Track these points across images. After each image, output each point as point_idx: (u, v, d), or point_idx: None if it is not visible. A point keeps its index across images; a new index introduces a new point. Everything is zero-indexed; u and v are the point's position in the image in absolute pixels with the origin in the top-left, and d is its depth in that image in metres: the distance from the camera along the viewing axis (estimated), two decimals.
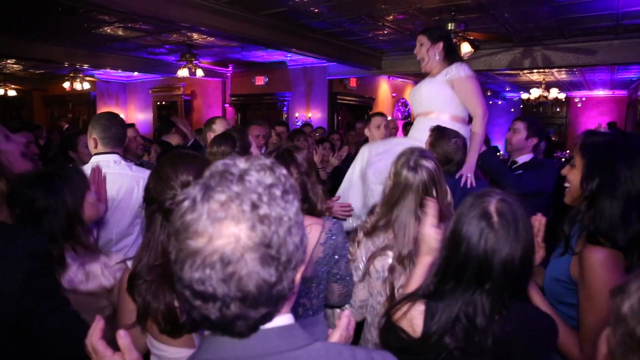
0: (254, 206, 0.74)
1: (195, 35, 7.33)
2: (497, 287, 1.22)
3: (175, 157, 1.50)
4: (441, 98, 2.88)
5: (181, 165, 1.42)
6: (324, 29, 7.14)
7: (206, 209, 0.74)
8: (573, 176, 1.66)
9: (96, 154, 2.59)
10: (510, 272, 1.22)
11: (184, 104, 11.85)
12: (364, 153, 3.07)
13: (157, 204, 1.39)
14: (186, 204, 0.76)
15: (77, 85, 10.43)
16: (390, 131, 6.75)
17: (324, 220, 1.90)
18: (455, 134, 2.60)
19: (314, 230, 1.82)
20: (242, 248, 0.73)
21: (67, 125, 10.35)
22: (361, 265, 1.99)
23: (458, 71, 2.86)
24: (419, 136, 2.86)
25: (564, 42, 7.34)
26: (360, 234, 2.04)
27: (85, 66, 9.57)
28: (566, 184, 1.73)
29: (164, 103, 12.33)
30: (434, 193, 1.90)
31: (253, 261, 0.73)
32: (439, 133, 2.58)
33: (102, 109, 12.54)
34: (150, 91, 12.45)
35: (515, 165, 3.39)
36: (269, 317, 0.81)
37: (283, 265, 0.76)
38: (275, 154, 1.92)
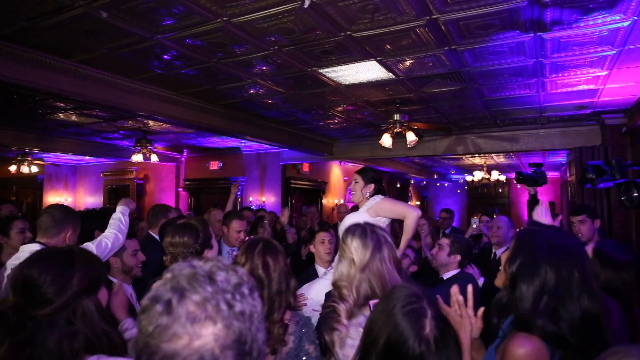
0: (230, 305, 0.76)
1: (151, 122, 7.46)
2: None
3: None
4: None
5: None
6: (277, 118, 7.50)
7: (184, 310, 0.73)
8: (504, 258, 1.70)
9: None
10: None
11: (136, 188, 11.71)
12: None
13: None
14: (158, 307, 0.74)
15: (25, 169, 10.13)
16: (342, 215, 6.98)
17: (292, 313, 1.95)
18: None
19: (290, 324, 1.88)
20: (221, 347, 0.73)
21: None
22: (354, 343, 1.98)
23: (374, 199, 3.37)
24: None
25: (498, 131, 8.06)
26: (344, 319, 1.98)
27: (35, 150, 9.34)
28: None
29: (115, 187, 12.14)
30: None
31: (230, 359, 0.74)
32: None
33: (49, 192, 12.16)
34: (101, 175, 12.29)
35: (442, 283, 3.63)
36: None
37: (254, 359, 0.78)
38: (262, 244, 1.96)
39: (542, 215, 1.99)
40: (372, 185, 3.41)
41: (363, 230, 1.99)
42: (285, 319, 1.88)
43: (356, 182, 3.47)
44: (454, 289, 1.78)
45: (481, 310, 1.76)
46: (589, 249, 2.27)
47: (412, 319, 1.31)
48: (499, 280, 1.74)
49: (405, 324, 1.30)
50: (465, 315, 1.76)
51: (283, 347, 1.84)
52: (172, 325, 0.73)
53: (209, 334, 0.73)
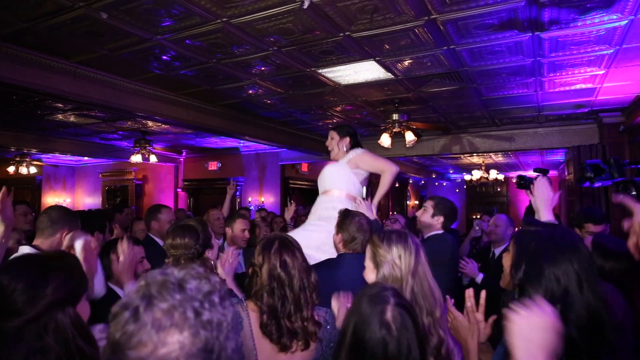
0: (197, 313, 0.75)
1: (150, 123, 7.47)
2: None
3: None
4: (341, 178, 3.39)
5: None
6: (276, 118, 7.52)
7: (150, 318, 0.73)
8: (506, 261, 1.68)
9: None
10: None
11: (135, 189, 11.71)
12: None
13: None
14: (126, 314, 0.74)
15: (23, 170, 10.12)
16: None
17: (316, 309, 1.90)
18: (359, 214, 2.79)
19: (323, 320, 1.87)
20: (186, 355, 0.72)
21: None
22: None
23: (355, 151, 3.44)
24: (320, 213, 3.32)
25: (496, 130, 8.08)
26: None
27: (34, 151, 9.35)
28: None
29: (113, 187, 12.14)
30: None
31: None
32: (344, 215, 2.73)
33: (47, 193, 12.15)
34: (100, 175, 12.28)
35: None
36: None
37: None
38: (278, 242, 1.91)
39: (542, 190, 1.99)
40: (348, 139, 3.48)
41: (399, 236, 1.94)
42: (317, 317, 1.84)
43: (332, 139, 3.54)
44: (469, 292, 1.78)
45: (492, 318, 1.75)
46: (588, 242, 2.29)
47: (374, 305, 1.36)
48: (504, 282, 1.73)
49: (368, 310, 1.35)
50: (473, 321, 1.76)
51: (318, 344, 1.82)
52: (137, 332, 0.72)
53: (174, 342, 0.72)
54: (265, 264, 1.83)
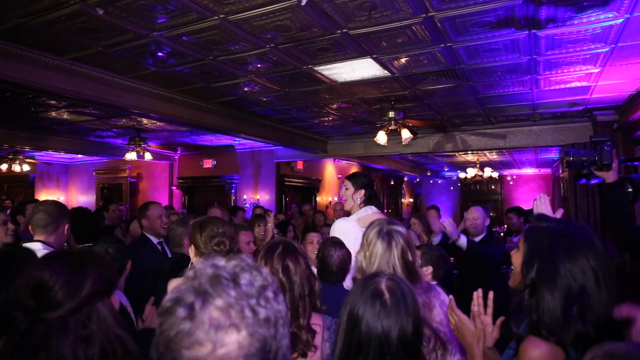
0: (254, 311, 0.73)
1: (144, 120, 7.43)
2: None
3: None
4: (350, 236, 3.22)
5: None
6: (271, 116, 7.50)
7: (207, 316, 0.70)
8: (516, 259, 1.59)
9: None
10: (407, 345, 1.31)
11: (129, 187, 11.65)
12: None
13: None
14: (181, 311, 0.71)
15: (16, 167, 10.03)
16: (338, 213, 7.00)
17: (322, 317, 1.88)
18: (341, 245, 2.84)
19: (318, 329, 1.82)
20: (245, 356, 0.70)
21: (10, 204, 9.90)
22: None
23: (366, 210, 3.27)
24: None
25: (491, 128, 8.11)
26: None
27: (27, 148, 9.28)
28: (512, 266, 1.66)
29: (107, 185, 12.07)
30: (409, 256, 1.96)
31: None
32: (324, 243, 2.84)
33: (41, 191, 12.06)
34: (94, 173, 12.20)
35: None
36: None
37: None
38: (281, 247, 1.89)
39: (543, 209, 1.98)
40: (363, 191, 3.32)
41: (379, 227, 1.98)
42: (312, 324, 1.81)
43: (347, 189, 3.39)
44: (477, 293, 1.76)
45: (500, 320, 1.71)
46: None
47: (368, 280, 1.38)
48: (514, 281, 1.63)
49: (362, 285, 1.38)
50: (480, 326, 1.73)
51: (318, 353, 1.78)
52: (195, 331, 0.70)
53: (233, 342, 0.70)
54: (267, 268, 1.78)
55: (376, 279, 1.38)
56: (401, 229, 1.99)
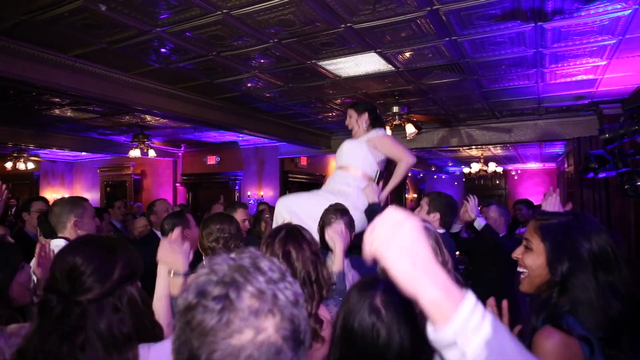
0: (284, 294, 0.75)
1: (148, 117, 7.43)
2: None
3: None
4: (358, 156, 3.29)
5: None
6: (275, 112, 7.47)
7: (245, 304, 0.72)
8: (532, 260, 1.50)
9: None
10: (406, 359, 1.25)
11: (133, 184, 11.66)
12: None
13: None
14: (213, 304, 0.72)
15: (21, 166, 10.07)
16: None
17: (326, 305, 1.83)
18: (342, 212, 2.72)
19: (326, 322, 1.75)
20: (282, 338, 0.72)
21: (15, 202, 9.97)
22: None
23: (376, 132, 3.31)
24: (334, 186, 3.29)
25: (496, 122, 8.06)
26: None
27: (31, 146, 9.29)
28: (520, 269, 1.56)
29: (112, 182, 12.09)
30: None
31: (291, 351, 0.73)
32: (326, 210, 2.69)
33: (45, 189, 12.10)
34: (98, 170, 12.22)
35: None
36: None
37: (305, 348, 0.77)
38: (285, 232, 1.83)
39: (553, 206, 1.95)
40: (366, 114, 3.34)
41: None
42: (321, 315, 1.75)
43: (350, 117, 3.40)
44: (490, 301, 1.67)
45: (517, 328, 1.63)
46: None
47: (364, 292, 1.32)
48: (526, 286, 1.55)
49: (357, 297, 1.33)
50: None
51: (325, 347, 1.70)
52: (233, 320, 0.71)
53: (271, 326, 0.72)
54: (267, 253, 1.73)
55: (371, 290, 1.31)
56: (430, 226, 1.85)
